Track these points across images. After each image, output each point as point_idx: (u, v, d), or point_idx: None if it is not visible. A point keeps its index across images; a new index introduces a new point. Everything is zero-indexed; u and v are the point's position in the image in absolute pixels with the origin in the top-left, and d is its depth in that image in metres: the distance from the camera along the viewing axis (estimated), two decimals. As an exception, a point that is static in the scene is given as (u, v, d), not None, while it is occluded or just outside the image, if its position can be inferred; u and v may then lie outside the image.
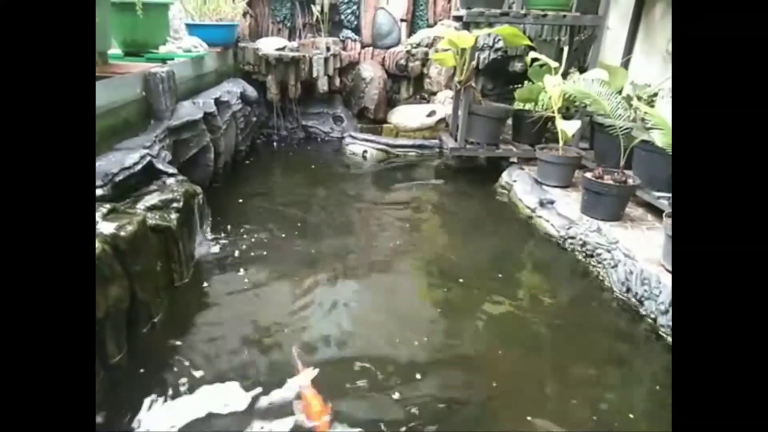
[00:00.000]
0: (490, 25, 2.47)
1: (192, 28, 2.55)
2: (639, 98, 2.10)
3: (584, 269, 1.77)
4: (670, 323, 1.35)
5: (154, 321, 1.29)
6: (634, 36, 2.52)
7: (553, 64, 2.25)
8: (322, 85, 3.18)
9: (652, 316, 1.43)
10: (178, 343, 1.25)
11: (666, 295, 1.40)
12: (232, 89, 2.57)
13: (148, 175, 1.50)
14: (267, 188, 2.50)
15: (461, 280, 1.66)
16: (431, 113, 3.38)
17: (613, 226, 1.84)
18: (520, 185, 2.35)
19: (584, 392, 1.19)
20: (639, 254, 1.61)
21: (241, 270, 1.62)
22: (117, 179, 1.33)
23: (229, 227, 1.90)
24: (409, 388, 1.14)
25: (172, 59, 2.13)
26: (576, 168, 2.30)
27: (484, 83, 3.16)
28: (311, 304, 1.48)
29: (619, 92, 2.17)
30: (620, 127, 1.89)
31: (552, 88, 2.17)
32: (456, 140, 2.68)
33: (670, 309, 1.37)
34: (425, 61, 3.44)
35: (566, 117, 2.35)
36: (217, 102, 2.25)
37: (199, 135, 1.99)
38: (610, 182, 1.90)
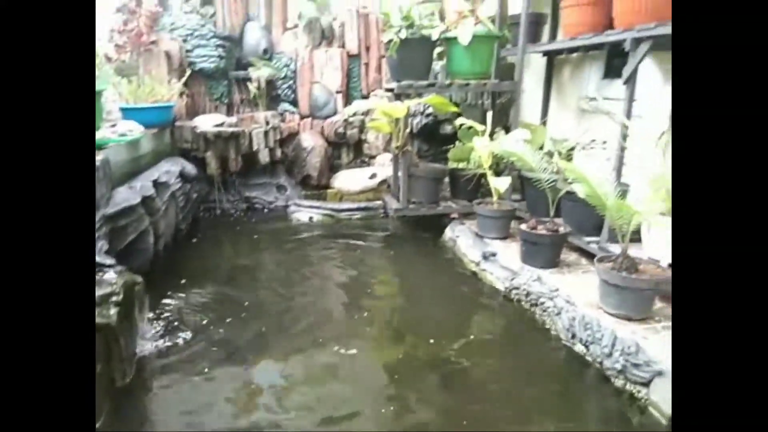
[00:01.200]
0: (419, 95, 2.65)
1: (127, 112, 2.54)
2: (559, 153, 2.30)
3: (530, 318, 1.84)
4: (615, 366, 1.43)
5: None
6: (548, 96, 2.79)
7: (480, 127, 2.43)
8: (264, 157, 3.23)
9: (599, 360, 1.50)
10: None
11: (608, 339, 1.49)
12: (170, 168, 2.55)
13: (84, 268, 1.44)
14: (210, 266, 2.42)
15: (413, 340, 1.67)
16: (372, 176, 3.49)
17: (552, 273, 1.95)
18: (463, 240, 2.45)
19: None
20: (579, 300, 1.71)
21: (188, 364, 1.54)
22: (49, 278, 1.26)
23: (170, 315, 1.82)
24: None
25: (107, 144, 2.10)
26: (511, 219, 2.44)
27: (420, 145, 3.33)
28: (260, 393, 1.43)
29: (541, 148, 2.37)
30: (546, 180, 2.05)
31: (481, 149, 2.33)
32: (399, 201, 2.78)
33: (613, 352, 1.45)
34: (362, 127, 3.59)
35: (497, 173, 2.52)
36: (156, 183, 2.22)
37: (137, 220, 1.94)
38: (544, 232, 2.03)
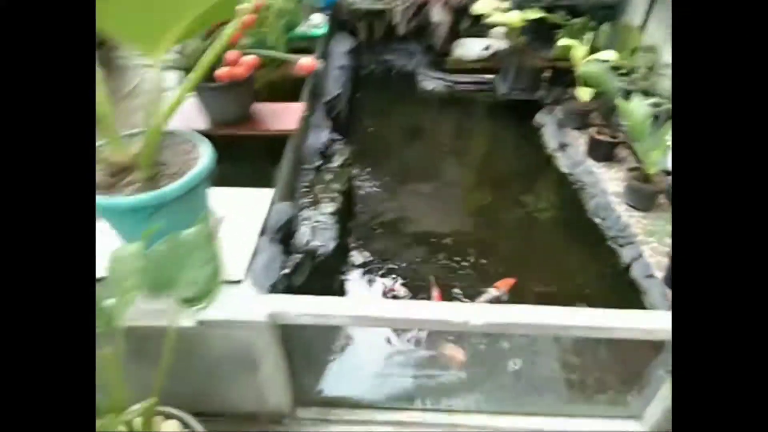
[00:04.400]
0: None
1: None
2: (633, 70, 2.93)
3: (576, 197, 2.86)
4: (611, 234, 2.49)
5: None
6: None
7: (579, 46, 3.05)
8: (401, 29, 4.00)
9: (607, 229, 2.55)
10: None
11: (614, 219, 2.51)
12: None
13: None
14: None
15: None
16: (487, 47, 4.16)
17: (603, 166, 2.88)
18: (548, 127, 3.33)
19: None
20: (609, 189, 2.68)
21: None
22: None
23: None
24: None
25: (313, 36, 3.09)
26: (588, 115, 3.23)
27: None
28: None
29: (633, 52, 2.99)
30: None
31: (576, 57, 3.01)
32: (505, 84, 3.59)
33: (614, 226, 2.50)
34: (484, -1, 4.10)
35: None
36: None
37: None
38: (603, 137, 2.88)
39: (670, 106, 2.54)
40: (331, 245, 1.92)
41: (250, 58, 1.91)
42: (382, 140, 3.38)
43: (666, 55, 2.98)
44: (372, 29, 3.99)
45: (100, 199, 1.24)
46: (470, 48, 4.21)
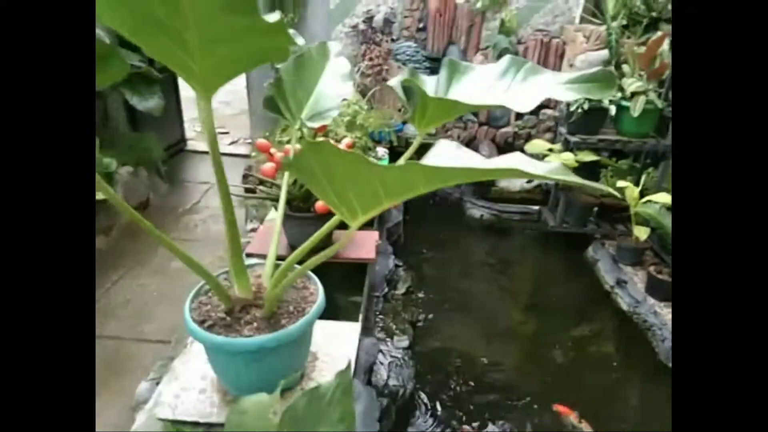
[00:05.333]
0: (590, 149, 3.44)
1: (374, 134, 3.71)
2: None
3: (641, 336, 2.77)
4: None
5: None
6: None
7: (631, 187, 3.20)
8: (450, 160, 4.27)
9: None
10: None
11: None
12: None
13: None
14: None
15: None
16: (529, 180, 4.38)
17: (666, 306, 2.82)
18: (602, 262, 3.35)
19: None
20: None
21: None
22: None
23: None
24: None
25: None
26: (644, 252, 3.26)
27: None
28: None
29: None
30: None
31: (630, 199, 3.12)
32: (554, 218, 3.70)
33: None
34: (528, 137, 4.42)
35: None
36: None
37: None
38: (664, 277, 2.87)
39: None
40: (410, 386, 1.84)
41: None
42: (437, 265, 3.42)
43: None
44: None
45: (219, 339, 1.23)
46: (514, 180, 4.44)
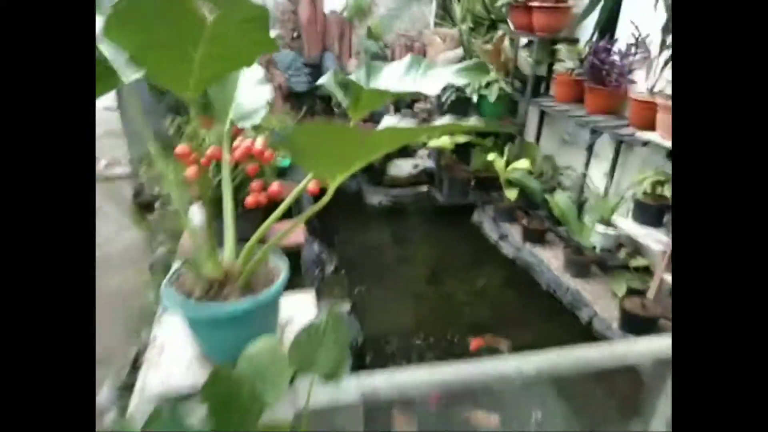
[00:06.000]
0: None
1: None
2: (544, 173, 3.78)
3: (526, 274, 3.41)
4: (566, 299, 3.02)
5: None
6: (541, 129, 4.19)
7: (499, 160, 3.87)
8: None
9: (558, 297, 3.08)
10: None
11: (564, 288, 3.07)
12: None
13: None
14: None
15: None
16: (416, 166, 4.93)
17: (540, 247, 3.51)
18: (486, 223, 3.98)
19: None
20: (553, 266, 3.27)
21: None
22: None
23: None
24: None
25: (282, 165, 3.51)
26: (516, 210, 3.96)
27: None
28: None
29: (533, 162, 3.83)
30: (538, 190, 3.54)
31: (499, 169, 3.78)
32: (441, 194, 4.27)
33: (567, 294, 3.04)
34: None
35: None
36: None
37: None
38: (535, 225, 3.56)
39: (583, 197, 3.33)
40: (360, 338, 2.15)
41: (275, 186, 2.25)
42: (353, 247, 3.75)
43: (559, 161, 3.88)
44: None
45: (199, 309, 1.42)
46: (402, 167, 4.95)
